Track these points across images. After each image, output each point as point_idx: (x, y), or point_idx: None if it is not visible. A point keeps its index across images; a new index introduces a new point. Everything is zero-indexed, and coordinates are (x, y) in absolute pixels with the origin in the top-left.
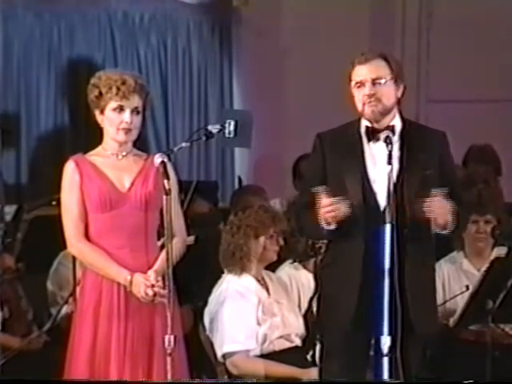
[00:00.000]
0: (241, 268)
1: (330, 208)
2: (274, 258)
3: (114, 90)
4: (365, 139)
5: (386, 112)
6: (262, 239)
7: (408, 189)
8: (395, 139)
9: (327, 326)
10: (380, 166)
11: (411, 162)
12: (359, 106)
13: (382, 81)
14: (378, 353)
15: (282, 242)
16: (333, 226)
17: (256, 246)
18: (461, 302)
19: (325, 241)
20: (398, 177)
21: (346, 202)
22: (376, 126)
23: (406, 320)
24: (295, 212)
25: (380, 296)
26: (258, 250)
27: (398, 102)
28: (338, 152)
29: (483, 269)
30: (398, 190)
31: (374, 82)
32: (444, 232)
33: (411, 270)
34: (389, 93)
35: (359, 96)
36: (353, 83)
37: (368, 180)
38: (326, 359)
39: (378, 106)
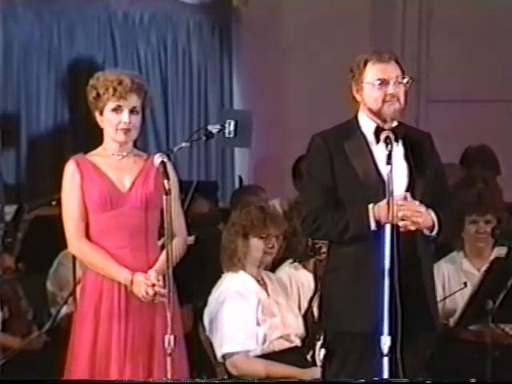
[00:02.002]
0: (233, 265)
1: (404, 206)
2: (268, 259)
3: (111, 90)
4: (373, 140)
5: (402, 112)
6: (251, 239)
7: (417, 188)
8: (401, 140)
9: (334, 328)
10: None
11: (417, 162)
12: (376, 104)
13: (404, 81)
14: (378, 353)
15: (276, 245)
16: (374, 226)
17: (243, 245)
18: (461, 302)
19: (325, 241)
20: (409, 176)
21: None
22: (385, 126)
23: (427, 319)
24: (311, 214)
25: (380, 296)
26: (244, 249)
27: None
28: (346, 151)
29: (483, 269)
30: (409, 189)
31: (395, 82)
32: (432, 234)
33: (426, 268)
34: (405, 94)
35: (376, 94)
36: (369, 80)
37: (382, 180)
38: (332, 362)
39: (397, 106)
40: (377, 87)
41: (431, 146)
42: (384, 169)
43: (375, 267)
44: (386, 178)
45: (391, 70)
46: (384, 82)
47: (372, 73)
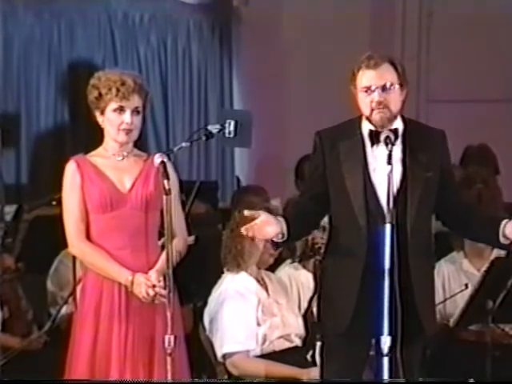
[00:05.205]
0: (236, 266)
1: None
2: (270, 261)
3: (114, 91)
4: (368, 142)
5: (392, 118)
6: (257, 241)
7: (412, 192)
8: (398, 142)
9: (327, 326)
10: (383, 168)
11: (414, 165)
12: (366, 111)
13: (391, 87)
14: (378, 353)
15: (280, 247)
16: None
17: (250, 247)
18: (461, 302)
19: (324, 241)
20: (402, 180)
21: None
22: (380, 129)
23: (414, 320)
24: (290, 202)
25: (380, 296)
26: (252, 250)
27: (402, 105)
28: (339, 152)
29: (483, 269)
30: (402, 192)
31: (383, 88)
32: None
33: (418, 270)
34: (396, 99)
35: (366, 101)
36: (359, 86)
37: (371, 183)
38: (325, 360)
39: (386, 113)
40: (364, 94)
41: (442, 144)
42: (374, 172)
43: (370, 268)
44: (374, 181)
45: (377, 77)
46: (370, 90)
47: (361, 80)
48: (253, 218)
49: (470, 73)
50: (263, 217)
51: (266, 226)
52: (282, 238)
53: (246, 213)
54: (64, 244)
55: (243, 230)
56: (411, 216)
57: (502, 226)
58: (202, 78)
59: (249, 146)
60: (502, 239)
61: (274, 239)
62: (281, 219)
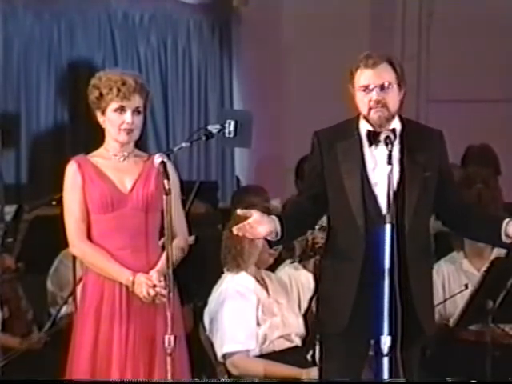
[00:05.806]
0: (236, 266)
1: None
2: (270, 261)
3: (115, 90)
4: (366, 143)
5: (390, 117)
6: (257, 240)
7: (410, 192)
8: (396, 142)
9: (325, 326)
10: (381, 168)
11: (412, 165)
12: (364, 110)
13: (389, 86)
14: (378, 353)
15: (280, 247)
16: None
17: (250, 247)
18: (461, 302)
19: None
20: (400, 180)
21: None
22: (378, 129)
23: (413, 320)
24: (288, 202)
25: (380, 296)
26: (251, 250)
27: (400, 105)
28: (337, 153)
29: (483, 269)
30: (399, 192)
31: (381, 88)
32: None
33: (416, 270)
34: (394, 98)
35: (365, 100)
36: (357, 86)
37: (369, 183)
38: (324, 359)
39: (384, 112)
40: (362, 94)
41: (440, 144)
42: (372, 172)
43: (368, 268)
44: (372, 181)
45: (375, 77)
46: (368, 89)
47: (359, 79)
48: (246, 218)
49: (470, 73)
50: (255, 216)
51: (258, 226)
52: (276, 237)
53: (239, 212)
54: (64, 244)
55: (235, 229)
56: (409, 216)
57: (504, 224)
58: (202, 78)
59: (249, 146)
60: (504, 238)
61: (268, 238)
62: (274, 218)
